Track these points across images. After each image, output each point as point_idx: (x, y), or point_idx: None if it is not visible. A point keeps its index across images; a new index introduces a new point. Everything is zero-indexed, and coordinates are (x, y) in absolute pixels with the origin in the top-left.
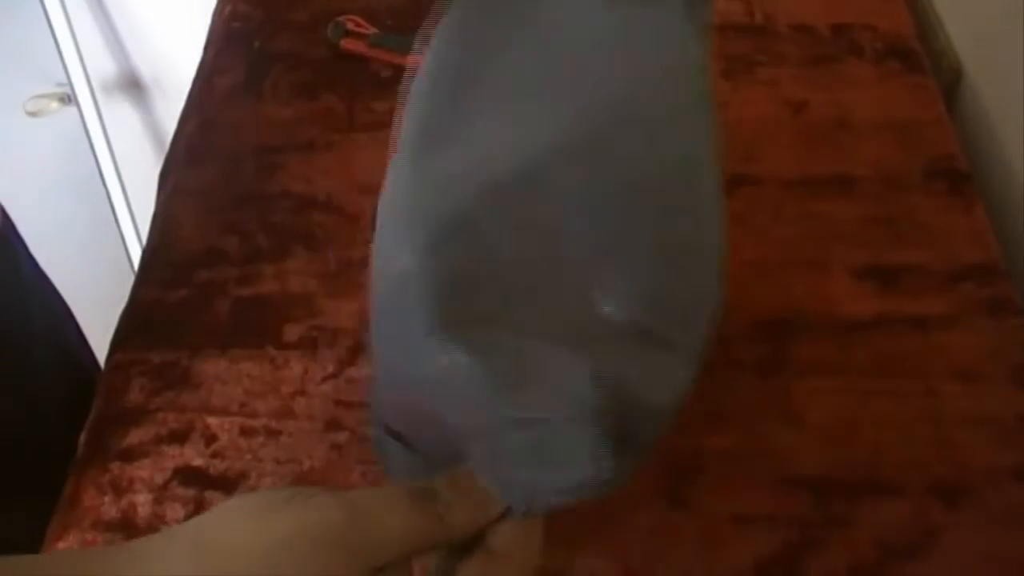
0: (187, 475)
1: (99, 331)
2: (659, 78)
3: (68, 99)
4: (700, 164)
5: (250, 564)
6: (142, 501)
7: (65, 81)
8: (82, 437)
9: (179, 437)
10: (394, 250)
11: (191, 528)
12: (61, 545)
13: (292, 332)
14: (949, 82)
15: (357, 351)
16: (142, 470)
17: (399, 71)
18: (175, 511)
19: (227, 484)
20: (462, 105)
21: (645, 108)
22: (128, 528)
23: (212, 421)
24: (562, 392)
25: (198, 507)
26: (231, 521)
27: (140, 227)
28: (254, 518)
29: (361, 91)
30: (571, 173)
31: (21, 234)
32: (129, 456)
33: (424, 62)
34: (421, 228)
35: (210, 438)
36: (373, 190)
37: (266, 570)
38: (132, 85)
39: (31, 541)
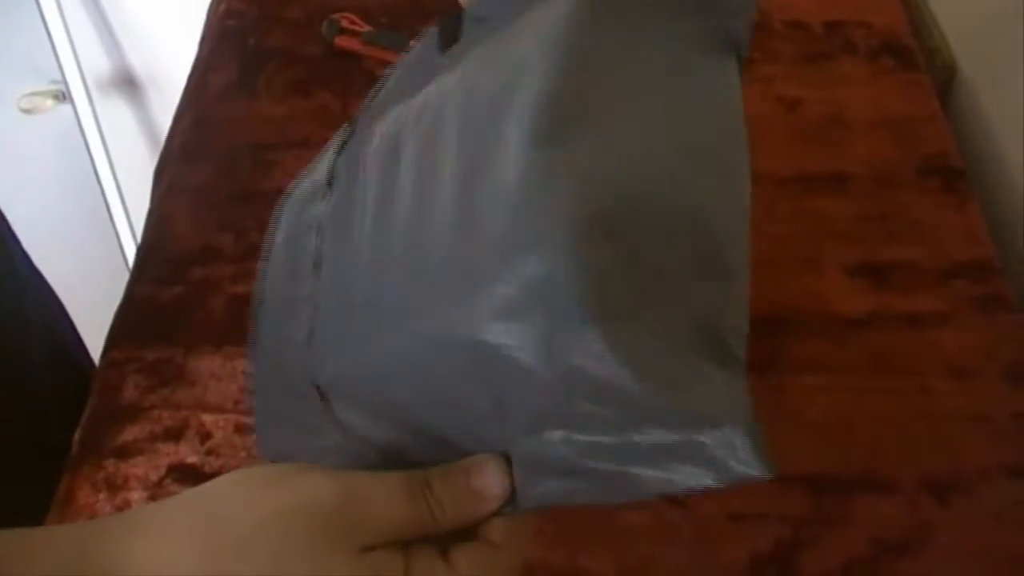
0: (182, 472)
1: (94, 328)
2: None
3: (63, 96)
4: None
5: (246, 536)
6: (137, 498)
7: (60, 78)
8: (77, 435)
9: (174, 434)
10: (501, 225)
11: (189, 499)
12: None
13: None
14: (943, 79)
15: None
16: (137, 467)
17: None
18: None
19: None
20: (588, 99)
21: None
22: None
23: (207, 418)
24: (717, 398)
25: None
26: (230, 493)
27: (135, 224)
28: (252, 491)
29: (355, 88)
30: (698, 184)
31: (15, 231)
32: (124, 453)
33: (540, 33)
34: (566, 218)
35: (205, 435)
36: None
37: (262, 542)
38: (127, 82)
39: None
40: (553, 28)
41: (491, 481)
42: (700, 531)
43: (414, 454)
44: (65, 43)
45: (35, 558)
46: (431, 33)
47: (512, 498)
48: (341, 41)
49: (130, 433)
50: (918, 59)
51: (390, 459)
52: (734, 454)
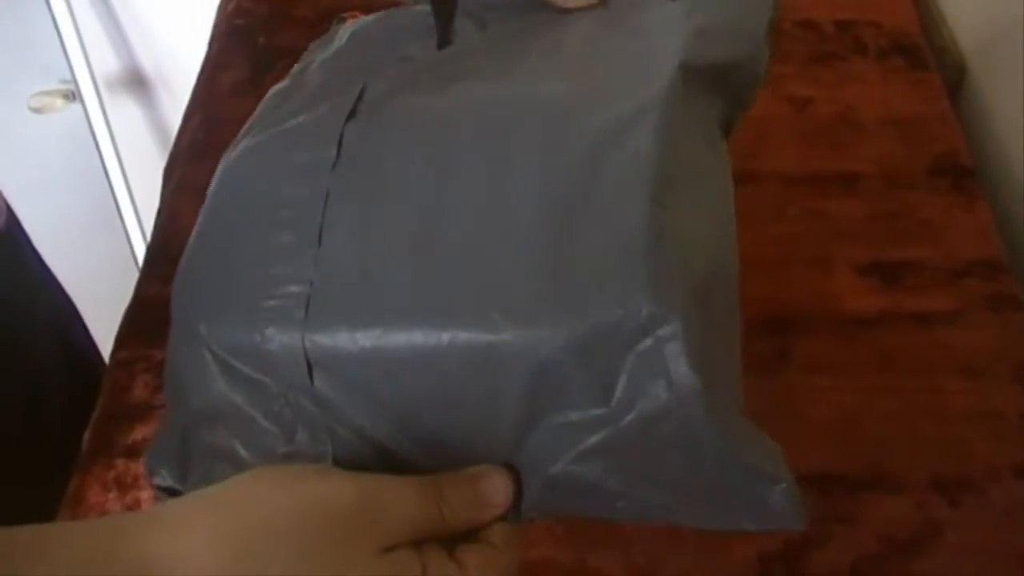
0: None
1: (103, 327)
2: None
3: (72, 96)
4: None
5: (271, 535)
6: (147, 497)
7: (69, 78)
8: (87, 434)
9: None
10: (611, 275)
11: (212, 497)
12: None
13: None
14: (953, 79)
15: None
16: None
17: None
18: (155, 494)
19: None
20: (677, 167)
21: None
22: None
23: None
24: (769, 455)
25: None
26: (251, 493)
27: (144, 223)
28: (273, 491)
29: None
30: (732, 255)
31: (26, 230)
32: (134, 452)
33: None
34: (681, 281)
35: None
36: None
37: (287, 541)
38: (136, 81)
39: None
40: (657, 93)
41: (497, 489)
42: (708, 531)
43: (392, 444)
44: (75, 42)
45: (53, 556)
46: (419, 9)
47: (514, 505)
48: None
49: (140, 432)
50: (928, 59)
51: (359, 442)
52: (783, 508)
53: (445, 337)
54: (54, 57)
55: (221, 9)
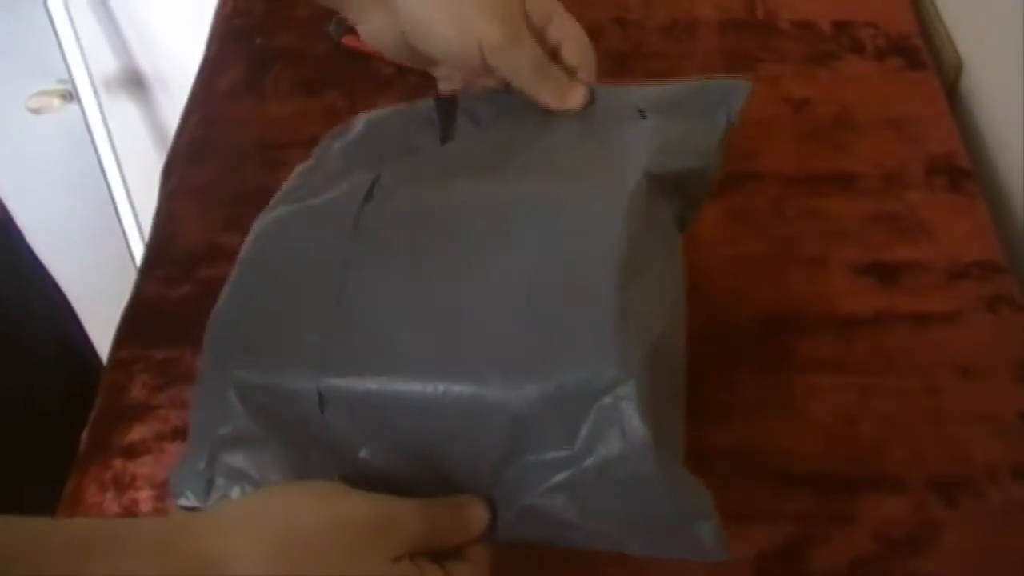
0: None
1: (101, 328)
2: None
3: (70, 96)
4: None
5: (314, 542)
6: (144, 498)
7: (67, 78)
8: (84, 434)
9: (181, 434)
10: (585, 343)
11: (262, 505)
12: None
13: None
14: (950, 79)
15: None
16: (144, 467)
17: (401, 69)
18: (177, 508)
19: None
20: (638, 258)
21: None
22: None
23: None
24: (704, 501)
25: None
26: (296, 505)
27: (142, 224)
28: (313, 504)
29: (363, 88)
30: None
31: (20, 226)
32: (131, 453)
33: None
34: (640, 353)
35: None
36: None
37: (327, 547)
38: (134, 82)
39: None
40: (625, 197)
41: (477, 517)
42: None
43: (389, 470)
44: (72, 43)
45: (119, 551)
46: (424, 107)
47: (489, 530)
48: (348, 41)
49: (137, 432)
50: (926, 59)
51: (362, 466)
52: (711, 542)
53: (440, 387)
54: (52, 57)
55: (219, 10)
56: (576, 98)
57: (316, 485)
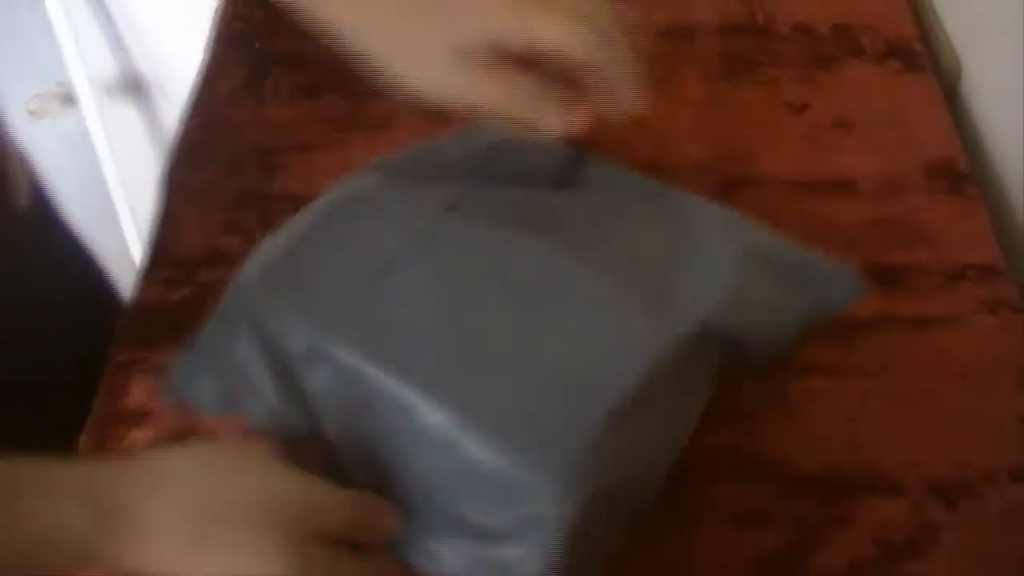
0: None
1: None
2: None
3: (69, 99)
4: None
5: (224, 513)
6: None
7: (66, 81)
8: (83, 436)
9: (180, 437)
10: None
11: (184, 466)
12: None
13: None
14: (950, 82)
15: None
16: None
17: None
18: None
19: None
20: (644, 399)
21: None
22: None
23: (213, 421)
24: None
25: None
26: (220, 473)
27: (141, 227)
28: (229, 474)
29: (363, 92)
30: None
31: (60, 210)
32: (131, 455)
33: None
34: (595, 481)
35: (212, 438)
36: None
37: (237, 519)
38: (134, 85)
39: None
40: (666, 336)
41: (388, 524)
42: (704, 532)
43: (340, 447)
44: (72, 46)
45: (47, 492)
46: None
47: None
48: None
49: (136, 435)
50: (925, 62)
51: (323, 436)
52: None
53: (438, 417)
54: (51, 61)
55: (218, 14)
56: (553, 121)
57: (253, 454)
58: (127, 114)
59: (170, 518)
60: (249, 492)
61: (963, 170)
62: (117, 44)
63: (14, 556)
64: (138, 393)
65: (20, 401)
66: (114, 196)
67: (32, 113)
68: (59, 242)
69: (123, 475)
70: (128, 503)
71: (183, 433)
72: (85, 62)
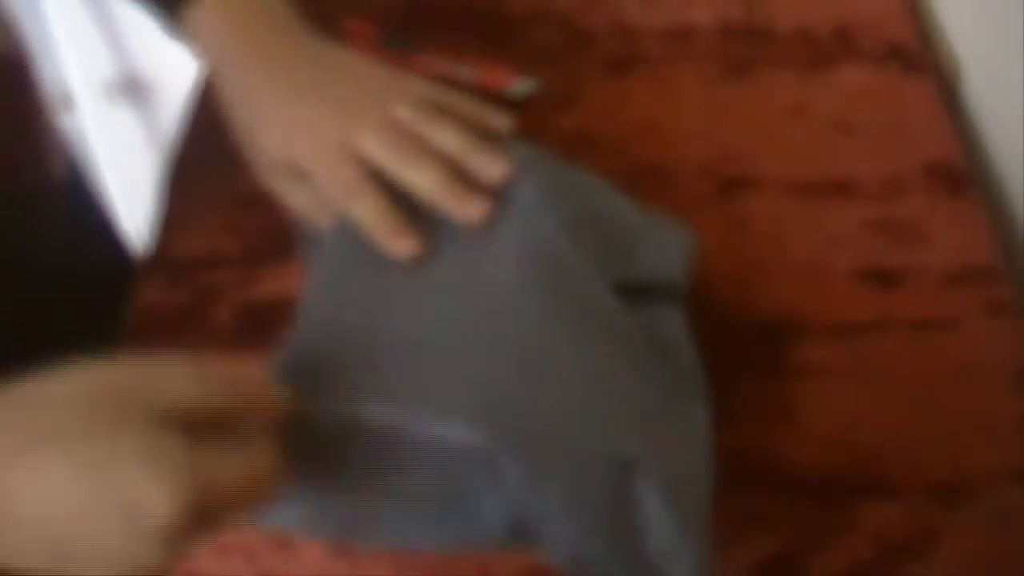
0: None
1: None
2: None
3: (68, 101)
4: None
5: (53, 406)
6: None
7: (64, 83)
8: None
9: None
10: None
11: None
12: None
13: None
14: (949, 84)
15: None
16: None
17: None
18: None
19: None
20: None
21: None
22: None
23: None
24: None
25: None
26: (49, 375)
27: (140, 229)
28: (62, 376)
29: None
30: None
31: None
32: None
33: None
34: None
35: None
36: None
37: (67, 412)
38: (131, 87)
39: None
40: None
41: (267, 388)
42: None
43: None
44: (70, 48)
45: None
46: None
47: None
48: (348, 44)
49: None
50: (924, 63)
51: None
52: None
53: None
54: (49, 62)
55: None
56: (472, 210)
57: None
58: (125, 116)
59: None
60: (83, 382)
61: (963, 172)
62: (115, 45)
63: None
64: None
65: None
66: (111, 198)
67: None
68: (92, 213)
69: None
70: None
71: None
72: (83, 63)
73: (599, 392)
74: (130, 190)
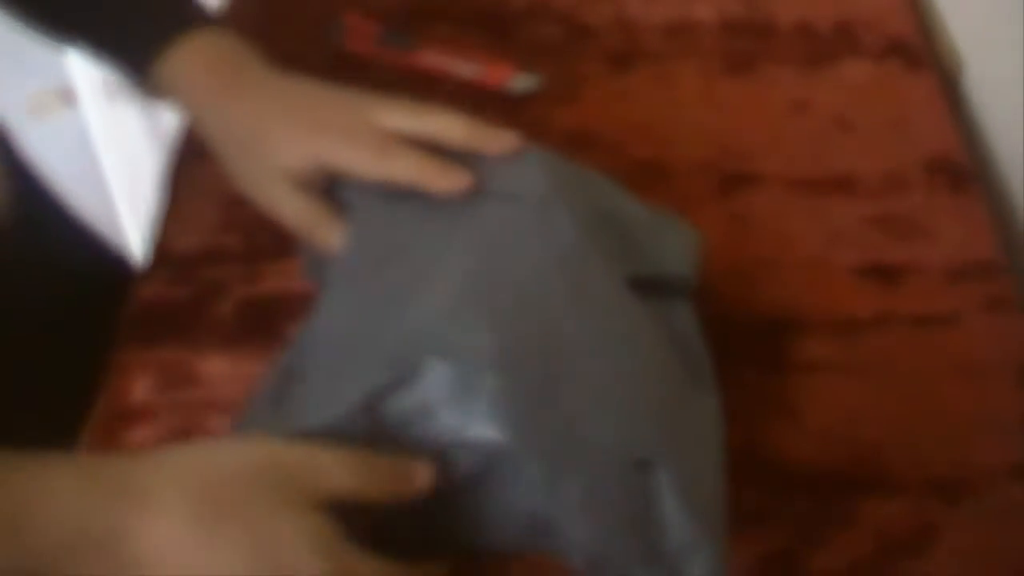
0: None
1: None
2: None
3: (70, 98)
4: None
5: (227, 482)
6: None
7: (67, 80)
8: (85, 435)
9: (183, 436)
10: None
11: (182, 449)
12: None
13: (296, 330)
14: (950, 79)
15: None
16: None
17: (401, 75)
18: None
19: None
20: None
21: None
22: None
23: (216, 420)
24: None
25: None
26: (217, 450)
27: (142, 225)
28: (234, 449)
29: (363, 91)
30: None
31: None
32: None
33: None
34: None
35: (213, 437)
36: None
37: (242, 488)
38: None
39: None
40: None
41: (421, 473)
42: None
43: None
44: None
45: (49, 470)
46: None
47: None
48: (348, 44)
49: (139, 434)
50: (925, 59)
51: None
52: None
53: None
54: (51, 59)
55: (218, 13)
56: (509, 141)
57: (240, 438)
58: (128, 112)
59: (174, 491)
60: (246, 459)
61: (964, 167)
62: None
63: (39, 562)
64: (139, 391)
65: (24, 396)
66: (114, 195)
67: (32, 113)
68: (56, 246)
69: (124, 458)
70: (133, 480)
71: (183, 433)
72: (85, 61)
73: (619, 391)
74: (132, 186)
